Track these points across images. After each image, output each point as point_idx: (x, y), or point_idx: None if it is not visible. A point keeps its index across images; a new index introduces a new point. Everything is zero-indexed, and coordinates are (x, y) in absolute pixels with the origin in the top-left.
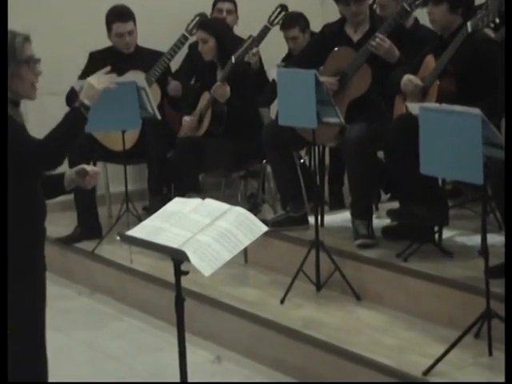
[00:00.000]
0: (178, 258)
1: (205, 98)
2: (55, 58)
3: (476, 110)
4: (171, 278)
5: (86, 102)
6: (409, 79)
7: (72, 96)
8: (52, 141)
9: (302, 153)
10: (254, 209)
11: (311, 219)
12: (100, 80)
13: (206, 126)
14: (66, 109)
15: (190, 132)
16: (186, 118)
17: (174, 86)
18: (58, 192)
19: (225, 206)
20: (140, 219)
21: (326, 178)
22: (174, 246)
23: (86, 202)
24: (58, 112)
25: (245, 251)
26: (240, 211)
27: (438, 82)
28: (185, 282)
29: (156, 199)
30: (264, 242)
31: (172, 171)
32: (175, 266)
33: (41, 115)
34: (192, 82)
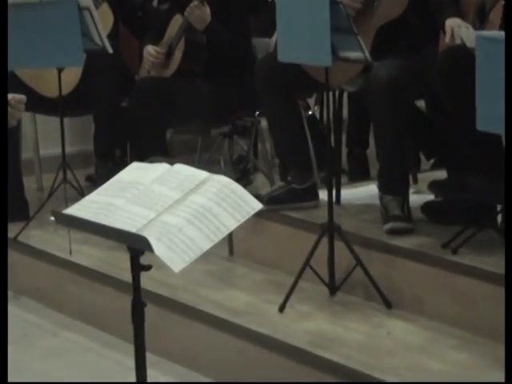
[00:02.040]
0: (137, 247)
1: (176, 23)
2: None
3: None
4: (127, 276)
5: None
6: (453, 25)
7: None
8: None
9: (311, 101)
10: (243, 179)
11: (322, 194)
12: None
13: (177, 63)
14: None
15: (155, 70)
16: (150, 49)
17: None
18: None
19: (202, 174)
20: (83, 193)
21: (344, 136)
22: (131, 229)
23: None
24: None
25: (229, 239)
26: (223, 182)
27: (503, 2)
28: (146, 281)
29: (105, 165)
30: (256, 226)
31: (128, 126)
32: (132, 259)
33: None
34: (155, 3)
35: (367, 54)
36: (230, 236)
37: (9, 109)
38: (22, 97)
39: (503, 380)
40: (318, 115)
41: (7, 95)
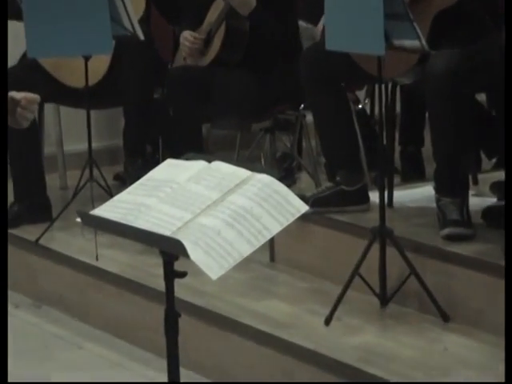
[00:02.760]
0: (171, 251)
1: (217, 7)
2: None
3: None
4: (159, 284)
5: None
6: None
7: None
8: None
9: (361, 94)
10: (287, 178)
11: (373, 196)
12: None
13: (216, 51)
14: None
15: (191, 58)
16: (187, 35)
17: None
18: None
19: (243, 172)
20: (110, 193)
21: (397, 132)
22: (165, 232)
23: (27, 166)
24: None
25: (271, 243)
26: (265, 181)
27: None
28: (180, 289)
29: (135, 162)
30: (300, 230)
31: (160, 120)
32: (165, 265)
33: None
34: None
35: (424, 42)
36: (271, 241)
37: (18, 109)
38: (34, 96)
39: None
40: (368, 110)
41: (7, 94)
